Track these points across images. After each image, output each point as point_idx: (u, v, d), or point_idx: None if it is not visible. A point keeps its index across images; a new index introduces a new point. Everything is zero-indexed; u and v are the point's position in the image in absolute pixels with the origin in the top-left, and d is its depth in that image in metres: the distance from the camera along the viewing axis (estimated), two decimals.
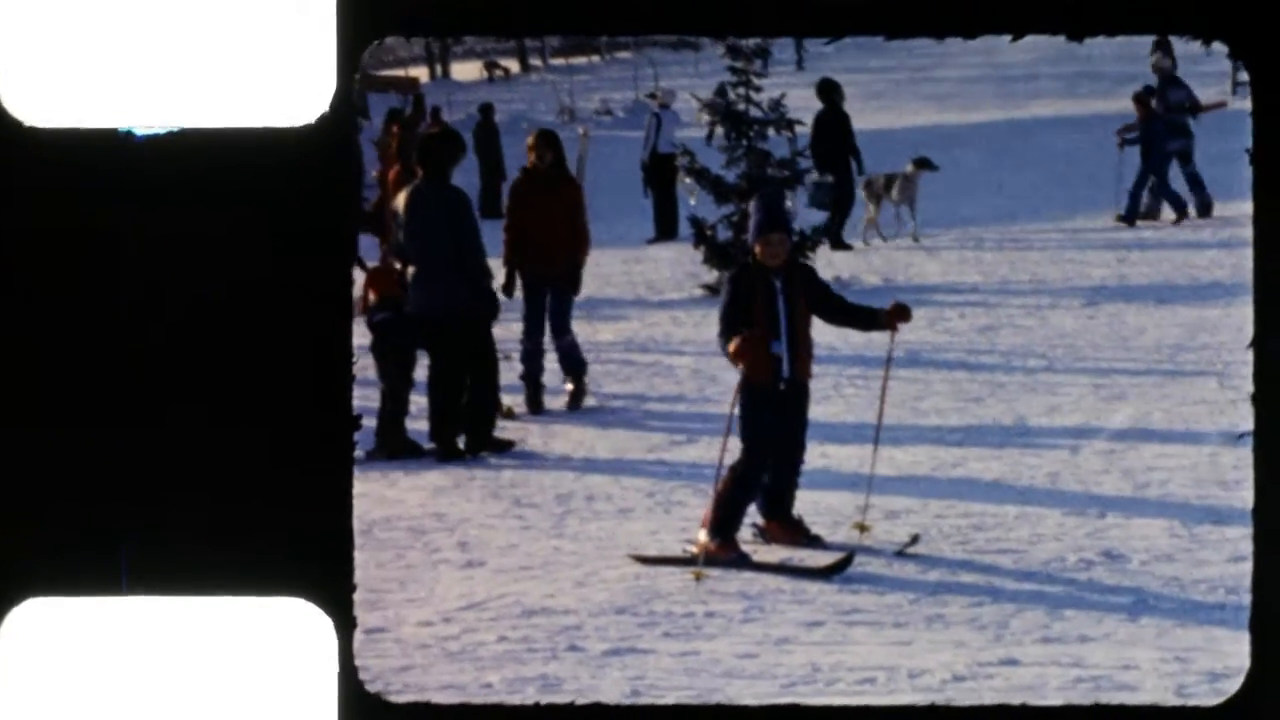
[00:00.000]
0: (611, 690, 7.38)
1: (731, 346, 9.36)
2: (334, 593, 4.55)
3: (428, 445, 12.52)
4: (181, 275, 4.52)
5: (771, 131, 19.01)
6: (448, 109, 29.13)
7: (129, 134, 4.49)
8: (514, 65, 52.73)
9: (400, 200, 12.90)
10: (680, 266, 20.91)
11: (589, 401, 13.97)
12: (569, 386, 13.94)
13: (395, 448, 12.46)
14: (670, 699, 7.21)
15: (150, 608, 4.54)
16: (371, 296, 13.11)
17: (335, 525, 4.60)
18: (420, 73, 47.79)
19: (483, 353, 12.56)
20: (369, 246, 18.86)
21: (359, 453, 12.31)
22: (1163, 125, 22.53)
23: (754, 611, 8.45)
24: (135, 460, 4.52)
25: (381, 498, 11.24)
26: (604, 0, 4.63)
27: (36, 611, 4.52)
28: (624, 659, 7.84)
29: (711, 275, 18.92)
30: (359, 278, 13.00)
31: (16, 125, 4.47)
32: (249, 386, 4.55)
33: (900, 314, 9.67)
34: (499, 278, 13.33)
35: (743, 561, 9.23)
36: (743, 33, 4.75)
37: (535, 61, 53.16)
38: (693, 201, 19.99)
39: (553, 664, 7.82)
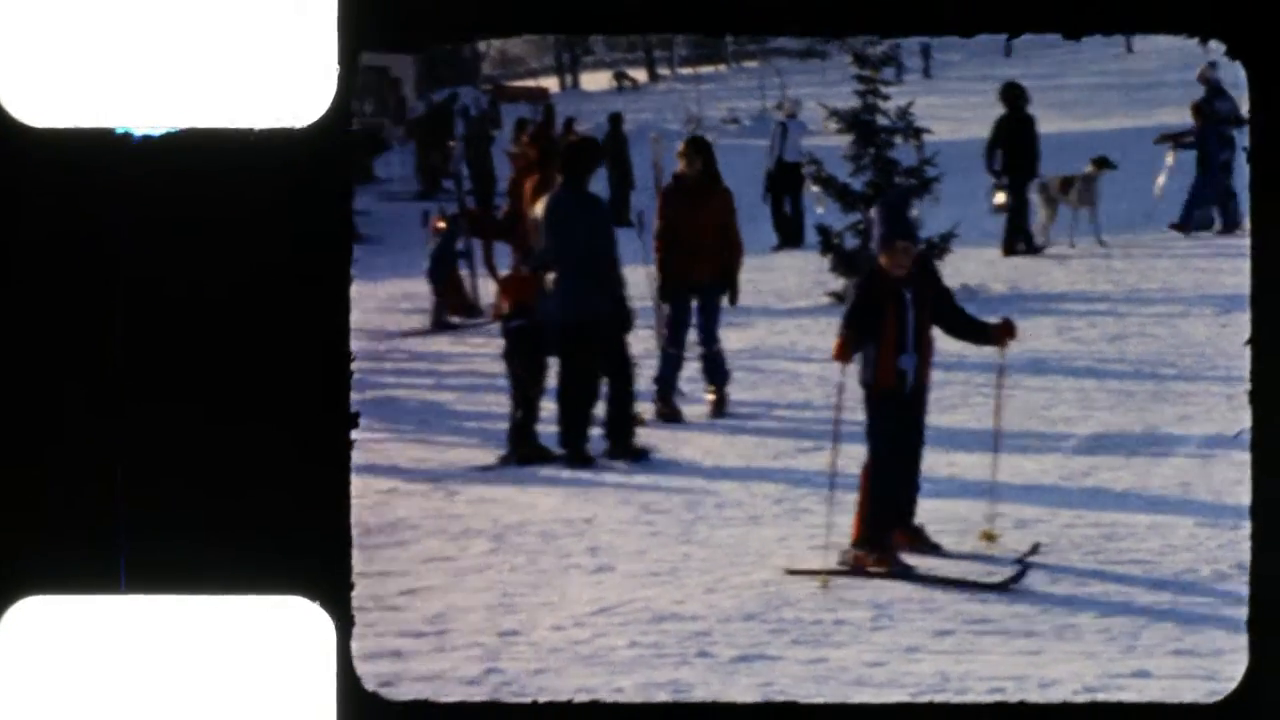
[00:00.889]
0: (741, 696, 7.43)
1: (835, 346, 9.44)
2: (333, 591, 4.57)
3: (559, 451, 12.61)
4: (180, 275, 4.53)
5: (899, 139, 18.98)
6: (577, 120, 29.27)
7: (127, 134, 4.50)
8: (642, 75, 52.86)
9: (539, 207, 13.00)
10: (807, 274, 20.90)
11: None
12: (710, 395, 13.99)
13: (526, 453, 12.56)
14: None
15: (149, 606, 4.53)
16: (506, 303, 13.21)
17: (334, 524, 4.61)
18: (550, 83, 48.00)
19: (619, 360, 12.63)
20: (503, 253, 19.03)
21: (492, 459, 12.52)
22: (1215, 135, 22.28)
23: (883, 619, 8.47)
24: (134, 459, 4.53)
25: (514, 503, 11.34)
26: (603, 1, 4.64)
27: (35, 610, 4.52)
28: (753, 665, 7.89)
29: (838, 283, 18.90)
30: (489, 284, 13.09)
31: (16, 125, 4.47)
32: (247, 386, 4.56)
33: (1008, 331, 9.80)
34: (630, 285, 13.39)
35: (905, 573, 9.20)
36: (740, 31, 4.73)
37: (663, 71, 53.26)
38: (820, 210, 19.99)
39: (683, 669, 7.88)
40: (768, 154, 25.07)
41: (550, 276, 12.71)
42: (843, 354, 9.43)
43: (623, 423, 12.56)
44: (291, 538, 4.54)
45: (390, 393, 15.62)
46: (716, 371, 14.00)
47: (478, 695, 7.73)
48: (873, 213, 10.09)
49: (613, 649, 8.20)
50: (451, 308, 18.98)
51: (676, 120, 40.72)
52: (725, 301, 14.15)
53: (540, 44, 47.85)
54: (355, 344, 15.98)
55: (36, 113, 4.45)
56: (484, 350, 16.82)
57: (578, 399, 12.57)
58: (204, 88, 4.47)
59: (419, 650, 8.34)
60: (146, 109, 4.46)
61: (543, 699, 7.57)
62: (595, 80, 52.95)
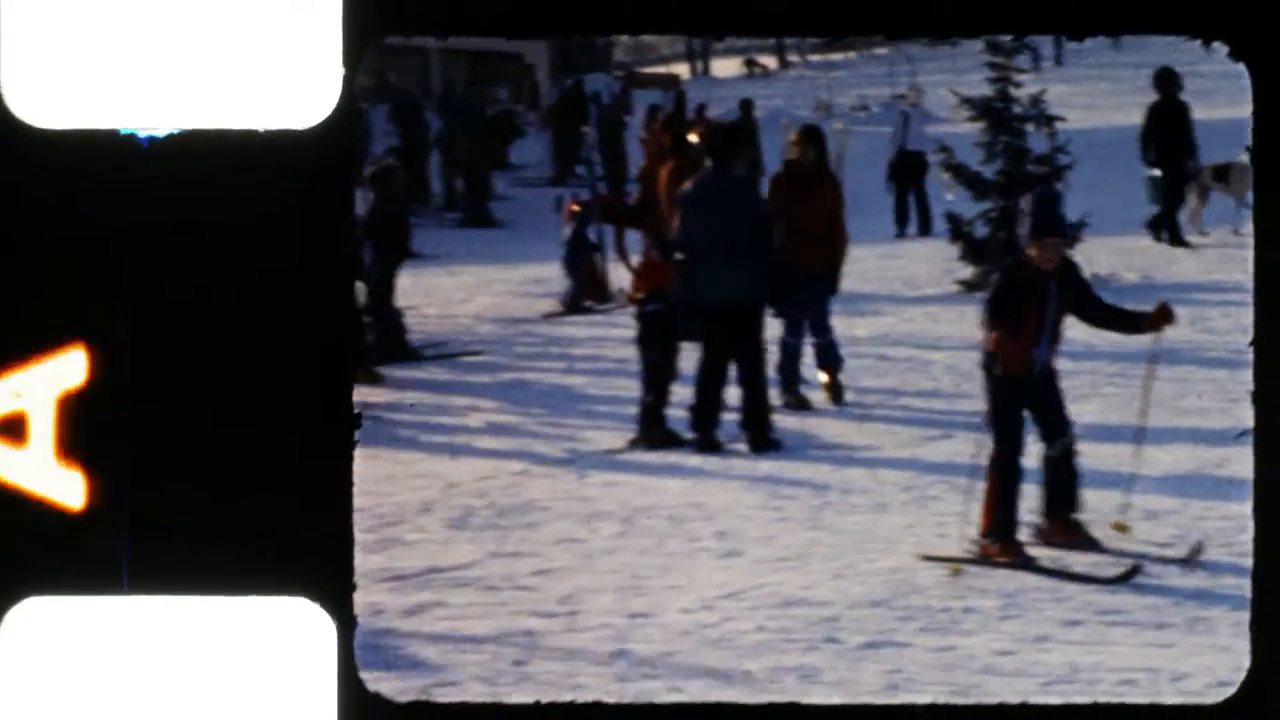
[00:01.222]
0: (870, 683, 7.47)
1: (990, 342, 9.41)
2: (335, 592, 4.56)
3: (688, 436, 12.66)
4: (184, 277, 4.51)
5: (1030, 127, 18.88)
6: (708, 106, 29.29)
7: (132, 135, 4.48)
8: (773, 62, 52.77)
9: (682, 190, 13.04)
10: (936, 262, 20.82)
11: (845, 396, 14.02)
12: (824, 380, 14.00)
13: (656, 438, 12.63)
14: (928, 695, 7.27)
15: (150, 607, 4.51)
16: (639, 288, 13.28)
17: (337, 524, 4.61)
18: (681, 69, 48.04)
19: (757, 346, 12.65)
20: (634, 239, 19.12)
21: (622, 442, 12.60)
22: None
23: (1012, 609, 8.48)
24: (136, 459, 4.51)
25: (643, 487, 11.41)
26: (606, 1, 4.63)
27: (36, 610, 4.49)
28: (881, 652, 7.92)
29: (967, 271, 18.85)
30: (620, 269, 13.15)
31: (20, 125, 4.45)
32: (251, 386, 4.54)
33: (1164, 317, 9.62)
34: None
35: (1027, 565, 9.18)
36: (737, 33, 4.70)
37: (793, 58, 53.15)
38: (950, 197, 19.92)
39: (811, 655, 7.92)
40: (889, 143, 24.99)
41: (680, 260, 12.73)
42: (1014, 361, 9.41)
43: (760, 411, 12.56)
44: (294, 539, 4.56)
45: (522, 375, 15.75)
46: (830, 358, 14.01)
47: (605, 675, 7.81)
48: (1023, 204, 10.04)
49: (741, 633, 8.26)
50: (584, 292, 19.08)
51: (806, 107, 40.63)
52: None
53: None
54: (487, 327, 16.25)
55: (41, 113, 4.46)
56: (615, 334, 16.91)
57: (712, 383, 12.59)
58: (208, 89, 4.48)
59: (550, 630, 8.44)
60: (151, 110, 4.46)
61: (673, 681, 7.65)
62: (726, 67, 52.92)
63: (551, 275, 19.65)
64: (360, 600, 8.82)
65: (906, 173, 24.16)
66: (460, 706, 6.07)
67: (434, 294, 19.99)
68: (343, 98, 4.46)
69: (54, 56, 4.44)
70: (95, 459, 4.49)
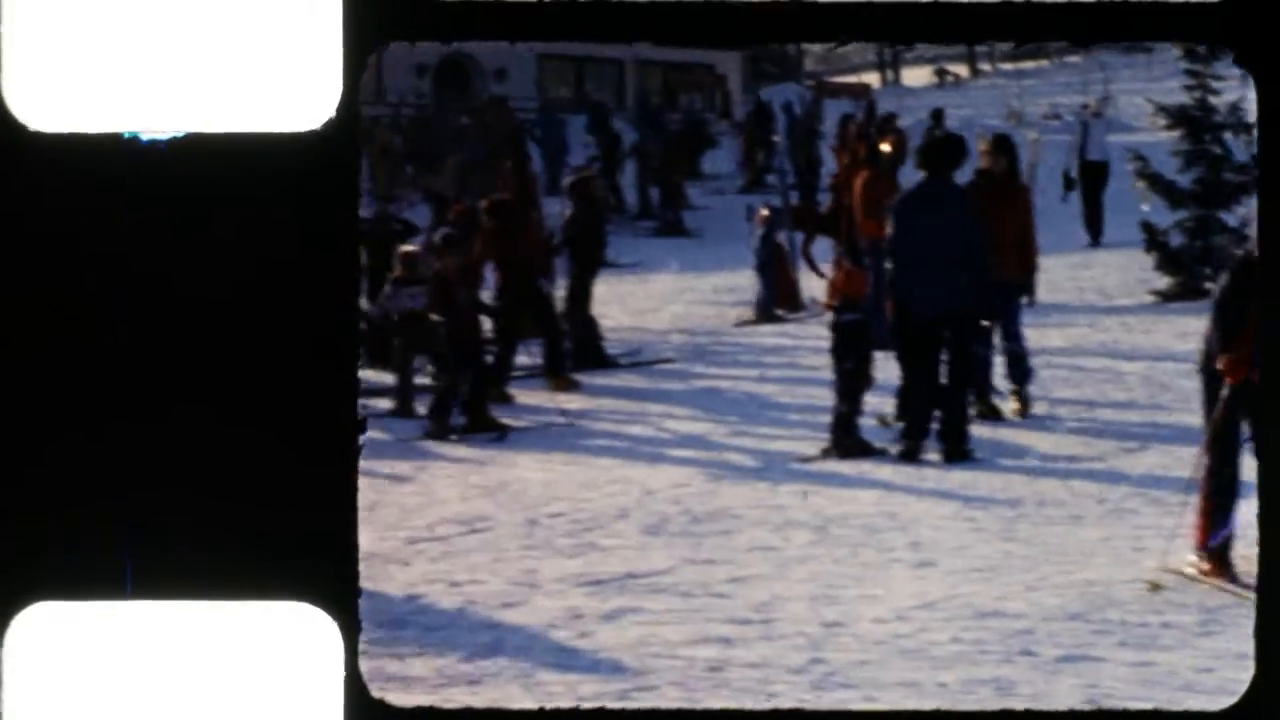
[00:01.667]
0: (1066, 697, 7.47)
1: (1224, 362, 9.19)
2: (339, 597, 4.49)
3: (878, 444, 12.69)
4: (186, 280, 4.47)
5: (1229, 135, 18.67)
6: (898, 115, 29.25)
7: (134, 139, 4.43)
8: (964, 70, 52.46)
9: (896, 200, 13.08)
10: (1129, 272, 20.64)
11: (1037, 408, 13.95)
12: (1013, 391, 13.95)
13: (850, 447, 12.67)
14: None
15: (155, 612, 4.46)
16: (834, 297, 13.32)
17: (341, 529, 4.53)
18: (872, 78, 47.95)
19: (966, 357, 12.62)
20: (823, 250, 19.14)
21: (814, 451, 12.65)
22: None
23: (1212, 625, 8.42)
24: (140, 464, 4.47)
25: (836, 496, 11.46)
26: (611, 8, 4.61)
27: (42, 616, 4.47)
28: (1078, 666, 7.91)
29: (1163, 281, 18.67)
30: (810, 277, 13.19)
31: (21, 129, 4.40)
32: (254, 390, 4.49)
33: None
34: None
35: (1235, 580, 9.02)
36: (739, 42, 4.68)
37: (985, 66, 52.82)
38: (1145, 207, 19.73)
39: (1005, 667, 7.92)
40: (1069, 152, 24.76)
41: (890, 269, 12.71)
42: (1238, 369, 9.17)
43: (959, 422, 12.53)
44: (298, 544, 4.50)
45: (714, 384, 15.85)
46: (1019, 369, 13.94)
47: (800, 684, 7.86)
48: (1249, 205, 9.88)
49: (935, 644, 8.28)
50: (776, 300, 19.15)
51: (998, 115, 40.36)
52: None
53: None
54: (680, 335, 16.36)
55: (43, 117, 4.41)
56: (807, 343, 16.96)
57: (922, 394, 12.54)
58: (209, 92, 4.44)
59: (745, 637, 8.51)
60: (152, 113, 4.42)
61: (868, 691, 7.69)
62: (917, 75, 52.72)
63: (743, 283, 19.73)
64: (557, 605, 8.99)
65: (1087, 182, 23.93)
66: (465, 712, 6.05)
67: (628, 302, 20.16)
68: (344, 101, 4.44)
69: (56, 60, 4.42)
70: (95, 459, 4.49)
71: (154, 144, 4.40)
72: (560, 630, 8.70)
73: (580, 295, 16.92)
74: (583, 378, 16.08)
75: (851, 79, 43.79)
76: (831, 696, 7.67)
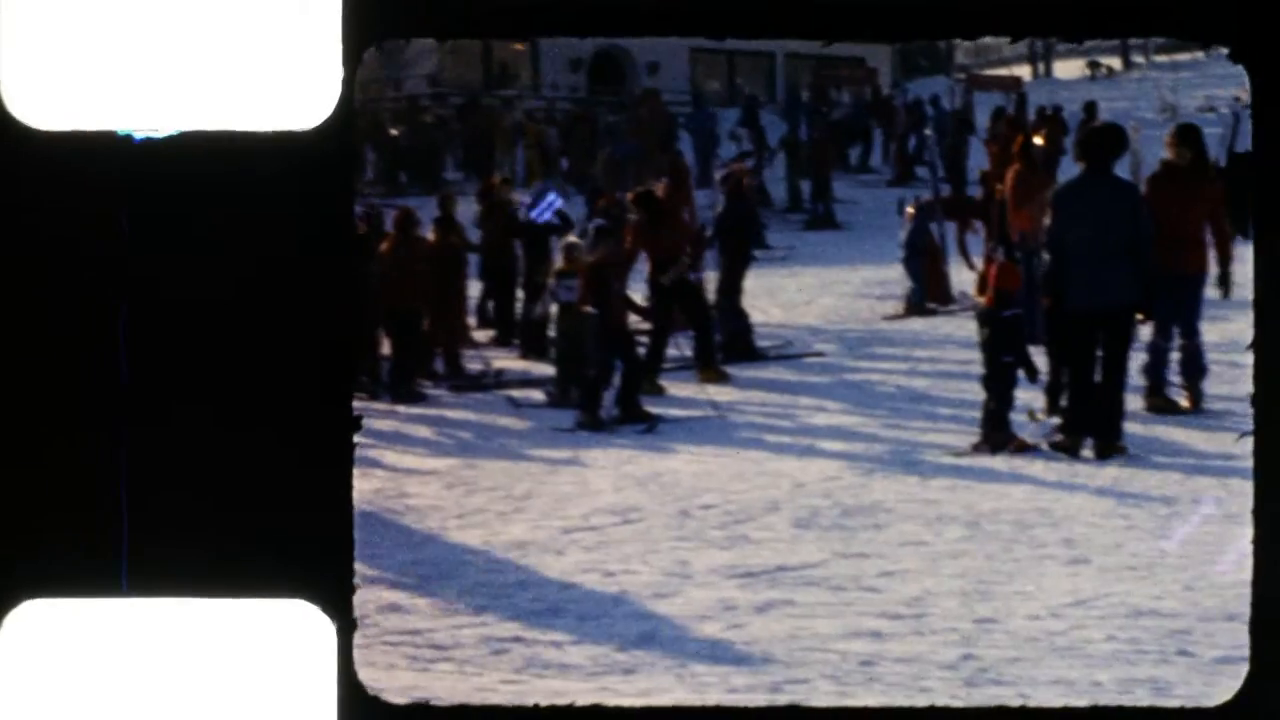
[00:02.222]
0: (1223, 698, 7.39)
1: None
2: (334, 594, 4.46)
3: (1030, 440, 12.62)
4: (183, 278, 4.45)
5: None
6: (1050, 108, 29.03)
7: (130, 136, 4.41)
8: (1117, 62, 51.92)
9: (1056, 192, 12.98)
10: None
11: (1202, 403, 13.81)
12: (1184, 386, 13.80)
13: (1001, 442, 12.61)
14: None
15: (150, 609, 4.44)
16: (988, 291, 13.25)
17: (336, 526, 4.48)
18: (1023, 71, 47.56)
19: (1124, 349, 12.50)
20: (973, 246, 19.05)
21: (965, 445, 12.62)
22: None
23: None
24: (135, 461, 4.45)
25: (987, 491, 11.42)
26: (613, 3, 4.55)
27: (35, 613, 4.44)
28: (1238, 668, 7.82)
29: None
30: (960, 270, 13.14)
31: (19, 127, 4.38)
32: (250, 388, 4.46)
33: None
34: None
35: None
36: (739, 34, 4.60)
37: (1138, 59, 52.23)
38: None
39: (1163, 667, 7.86)
40: (1219, 144, 24.42)
41: (1048, 263, 12.62)
42: None
43: (1115, 417, 12.41)
44: (293, 540, 4.46)
45: (865, 377, 15.83)
46: (1193, 364, 13.78)
47: (953, 680, 7.86)
48: None
49: (1089, 642, 8.23)
50: (926, 293, 19.09)
51: (1151, 109, 39.93)
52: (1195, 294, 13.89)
53: None
54: (830, 327, 16.35)
55: (39, 115, 4.38)
56: (957, 336, 16.90)
57: (1080, 389, 12.42)
58: (206, 90, 4.40)
59: (897, 632, 8.51)
60: (149, 112, 4.38)
61: (1021, 688, 7.67)
62: (1069, 68, 52.23)
63: (893, 276, 19.67)
64: (709, 596, 9.04)
65: (1239, 176, 23.59)
66: (460, 709, 6.00)
67: (778, 295, 20.16)
68: (342, 99, 4.40)
69: (53, 57, 4.39)
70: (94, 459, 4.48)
71: (151, 142, 4.40)
72: (713, 622, 8.74)
73: (731, 288, 16.96)
74: (733, 370, 16.11)
75: (1002, 72, 43.44)
76: (984, 693, 7.66)
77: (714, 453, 12.97)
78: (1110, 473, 11.81)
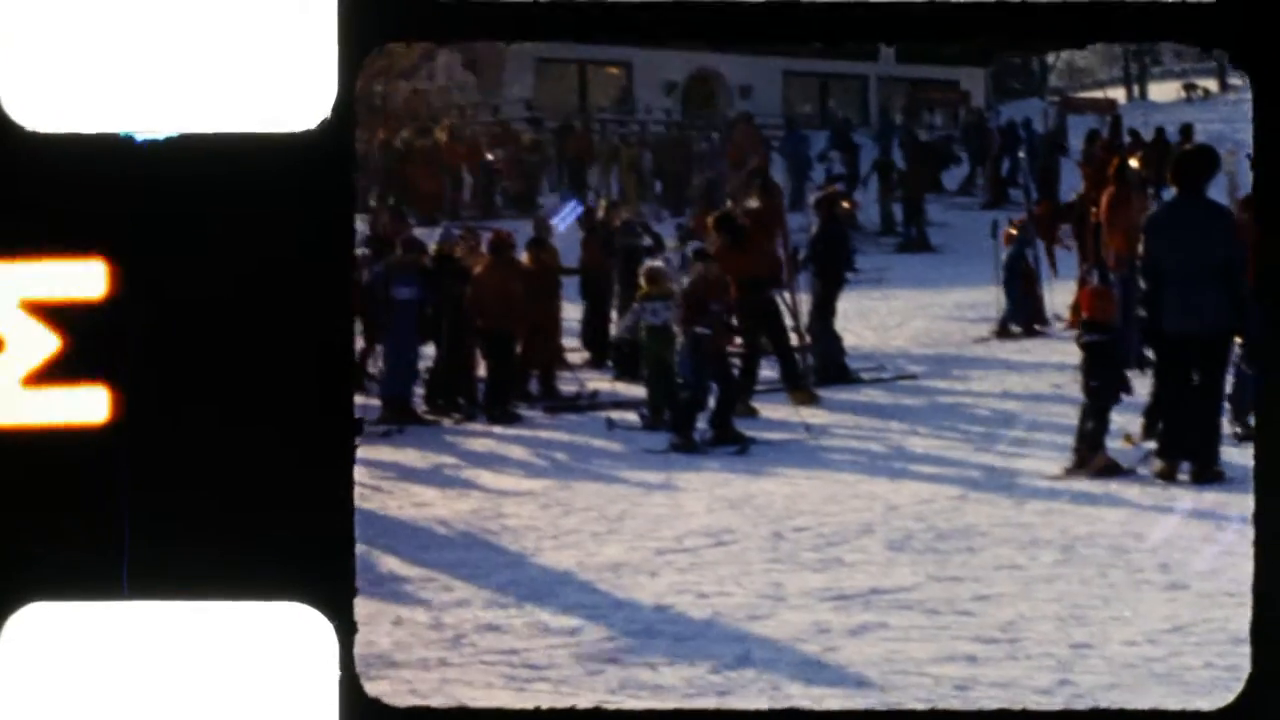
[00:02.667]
0: None
1: None
2: (335, 597, 4.48)
3: (1125, 465, 12.56)
4: (182, 280, 4.46)
5: None
6: (1144, 130, 28.86)
7: (130, 139, 4.43)
8: (1213, 84, 51.54)
9: (1151, 216, 12.93)
10: None
11: None
12: None
13: (1097, 466, 12.56)
14: None
15: (151, 612, 4.47)
16: (1083, 315, 13.21)
17: (337, 529, 4.51)
18: (1118, 94, 47.31)
19: (1219, 374, 12.39)
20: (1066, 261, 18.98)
21: (1058, 469, 12.57)
22: None
23: None
24: (137, 464, 4.47)
25: (1082, 514, 11.37)
26: (607, 7, 4.55)
27: (37, 616, 4.47)
28: None
29: None
30: (1053, 293, 13.10)
31: (18, 130, 4.41)
32: (251, 391, 4.48)
33: None
34: None
35: None
36: (738, 38, 4.58)
37: (1235, 80, 51.80)
38: None
39: None
40: None
41: (1143, 287, 12.57)
42: None
43: (1212, 442, 12.32)
44: (294, 544, 4.49)
45: (958, 400, 15.80)
46: None
47: (1051, 705, 7.83)
48: None
49: (1188, 669, 8.18)
50: (1020, 316, 19.04)
51: (1248, 131, 39.50)
52: None
53: (1107, 55, 47.14)
54: (922, 351, 16.28)
55: (39, 117, 4.41)
56: (1051, 359, 16.84)
57: (1178, 413, 12.32)
58: (206, 93, 4.43)
59: (992, 656, 8.49)
60: (149, 114, 4.42)
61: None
62: (1164, 91, 51.86)
63: (986, 299, 19.62)
64: (803, 618, 9.04)
65: None
66: (459, 711, 5.94)
67: (871, 317, 20.15)
68: (339, 101, 4.43)
69: (52, 61, 4.42)
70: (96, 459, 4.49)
71: (150, 144, 4.41)
72: (807, 644, 8.75)
73: (824, 310, 16.97)
74: (825, 392, 16.12)
75: (1097, 94, 43.24)
76: None
77: (806, 475, 12.98)
78: (1208, 497, 11.73)
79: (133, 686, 4.46)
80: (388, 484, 12.93)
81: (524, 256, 17.05)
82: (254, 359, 4.49)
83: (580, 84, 35.43)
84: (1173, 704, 7.71)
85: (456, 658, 8.66)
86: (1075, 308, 13.55)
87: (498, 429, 15.30)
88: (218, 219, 4.48)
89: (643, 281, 15.56)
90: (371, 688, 4.52)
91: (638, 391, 15.89)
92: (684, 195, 27.95)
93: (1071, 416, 13.03)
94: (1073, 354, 13.56)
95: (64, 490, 4.50)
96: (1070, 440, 12.88)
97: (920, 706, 7.82)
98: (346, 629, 4.47)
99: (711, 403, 14.54)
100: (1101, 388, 12.78)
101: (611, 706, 7.65)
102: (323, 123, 4.45)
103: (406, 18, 4.53)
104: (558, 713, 4.86)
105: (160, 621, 4.46)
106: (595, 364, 18.23)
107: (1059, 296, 19.30)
